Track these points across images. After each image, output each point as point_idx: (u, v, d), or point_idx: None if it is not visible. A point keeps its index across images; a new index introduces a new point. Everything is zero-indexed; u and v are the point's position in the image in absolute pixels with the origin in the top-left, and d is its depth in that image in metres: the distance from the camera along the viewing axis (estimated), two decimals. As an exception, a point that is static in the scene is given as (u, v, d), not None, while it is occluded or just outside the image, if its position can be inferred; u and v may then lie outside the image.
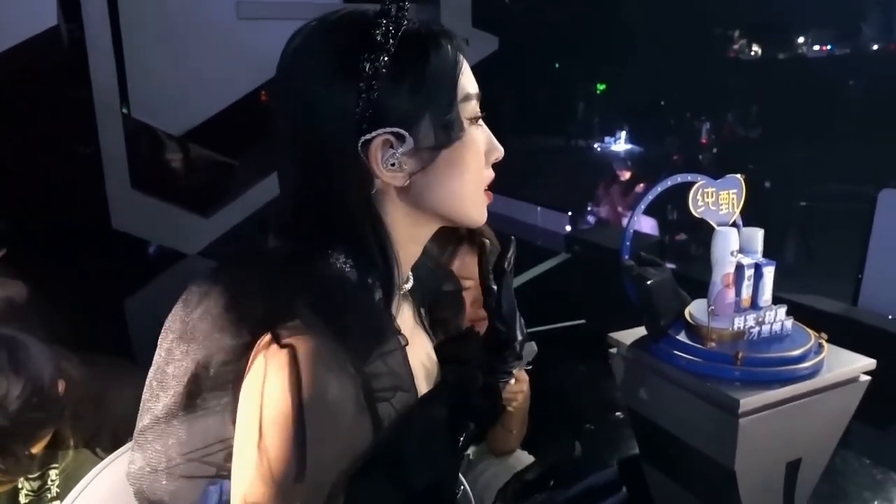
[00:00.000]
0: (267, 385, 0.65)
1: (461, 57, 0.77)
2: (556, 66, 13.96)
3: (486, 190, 0.81)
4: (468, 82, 0.77)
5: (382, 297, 0.74)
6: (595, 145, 11.44)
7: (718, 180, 0.91)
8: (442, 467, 0.71)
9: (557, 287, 4.85)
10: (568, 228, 6.72)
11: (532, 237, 6.68)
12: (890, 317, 1.74)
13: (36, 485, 1.34)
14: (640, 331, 0.90)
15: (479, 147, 0.78)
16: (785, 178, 6.73)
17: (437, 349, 0.87)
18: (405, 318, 0.83)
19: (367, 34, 0.72)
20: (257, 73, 4.47)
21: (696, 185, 0.90)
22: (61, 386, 1.29)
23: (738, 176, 0.93)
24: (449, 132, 0.75)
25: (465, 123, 0.76)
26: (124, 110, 5.05)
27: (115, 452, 0.92)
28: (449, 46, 0.75)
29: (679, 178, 0.89)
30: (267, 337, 0.66)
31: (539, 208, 7.33)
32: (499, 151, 0.80)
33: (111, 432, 1.35)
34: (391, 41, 0.72)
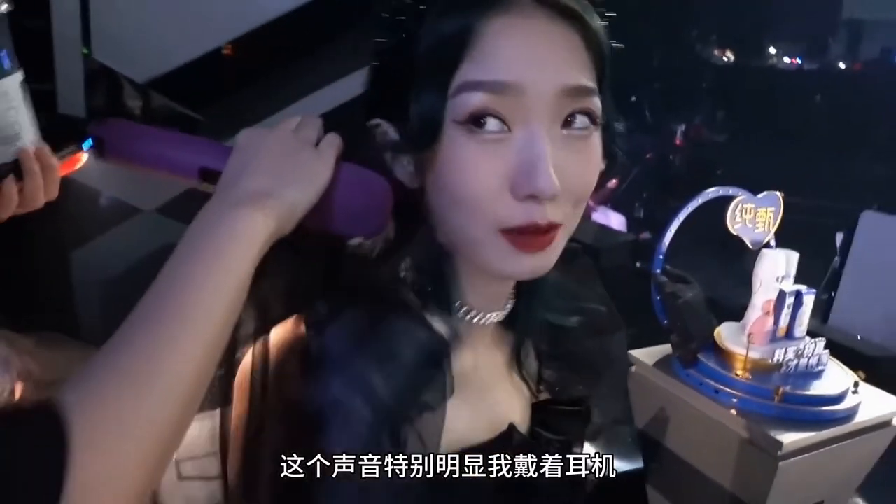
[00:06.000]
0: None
1: (502, 27, 0.51)
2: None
3: (524, 235, 0.52)
4: (485, 66, 0.50)
5: (438, 315, 0.59)
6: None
7: (758, 196, 0.86)
8: None
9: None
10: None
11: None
12: (860, 337, 1.74)
13: None
14: (663, 349, 0.84)
15: (472, 165, 0.51)
16: (756, 189, 6.82)
17: (535, 407, 0.66)
18: (490, 355, 0.65)
19: None
20: (232, 25, 4.28)
21: (735, 200, 0.84)
22: (18, 390, 1.07)
23: (778, 193, 0.88)
24: (421, 134, 0.53)
25: (452, 128, 0.51)
26: (85, 50, 4.80)
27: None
28: (471, 9, 0.51)
29: (721, 191, 0.83)
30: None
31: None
32: (528, 186, 0.50)
33: None
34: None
